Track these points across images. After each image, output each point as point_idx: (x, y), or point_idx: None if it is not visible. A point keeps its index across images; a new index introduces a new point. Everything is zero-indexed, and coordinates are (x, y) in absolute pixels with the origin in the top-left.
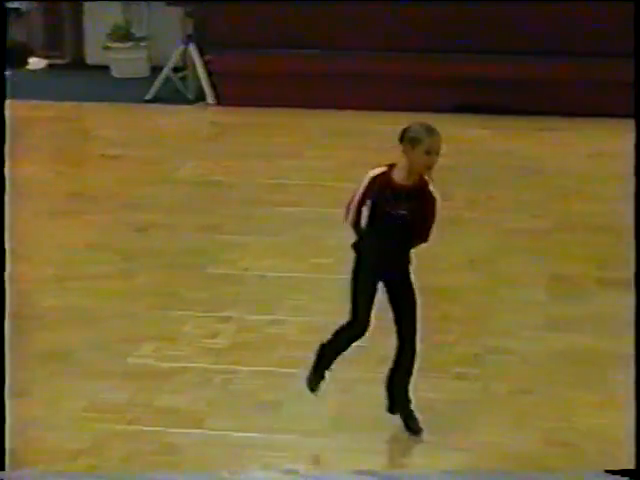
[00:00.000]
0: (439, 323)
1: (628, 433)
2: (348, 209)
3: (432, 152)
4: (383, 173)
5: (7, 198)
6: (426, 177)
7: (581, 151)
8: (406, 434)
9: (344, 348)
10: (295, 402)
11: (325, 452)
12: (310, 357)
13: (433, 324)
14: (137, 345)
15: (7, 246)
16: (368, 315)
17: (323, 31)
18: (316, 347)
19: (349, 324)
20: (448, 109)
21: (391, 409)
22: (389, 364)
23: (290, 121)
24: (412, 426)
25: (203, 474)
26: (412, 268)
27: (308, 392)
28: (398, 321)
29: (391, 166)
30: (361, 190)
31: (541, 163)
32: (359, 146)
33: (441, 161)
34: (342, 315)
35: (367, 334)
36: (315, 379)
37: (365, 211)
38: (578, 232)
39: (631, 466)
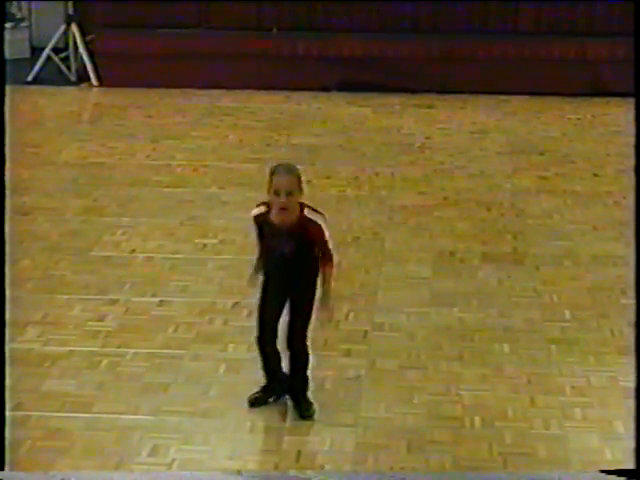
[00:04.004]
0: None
1: (513, 407)
2: None
3: (280, 192)
4: (261, 213)
5: None
6: (306, 211)
7: (463, 128)
8: (293, 411)
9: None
10: (183, 383)
11: (214, 433)
12: (197, 337)
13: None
14: (21, 330)
15: None
16: (273, 333)
17: (205, 10)
18: (203, 327)
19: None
20: (330, 87)
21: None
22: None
23: (174, 101)
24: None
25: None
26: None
27: (195, 373)
28: (289, 331)
29: (268, 205)
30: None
31: (423, 140)
32: (243, 126)
33: (324, 139)
34: (228, 296)
35: (253, 312)
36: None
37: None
38: (462, 208)
39: (509, 438)
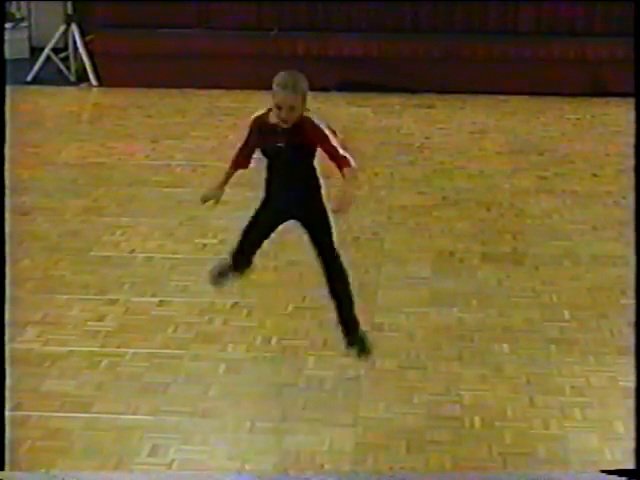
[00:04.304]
0: (326, 301)
1: (513, 407)
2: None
3: (283, 107)
4: (263, 114)
5: None
6: (306, 115)
7: (462, 127)
8: (293, 411)
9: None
10: (183, 384)
11: (213, 433)
12: (196, 337)
13: (320, 302)
14: (21, 330)
15: None
16: (251, 254)
17: (205, 10)
18: (202, 327)
19: (234, 253)
20: (330, 87)
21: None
22: (274, 344)
23: (174, 101)
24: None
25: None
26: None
27: (195, 373)
28: (319, 252)
29: (270, 109)
30: (246, 132)
31: (423, 140)
32: (243, 126)
33: None
34: (228, 296)
35: (253, 312)
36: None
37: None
38: (462, 208)
39: (508, 439)
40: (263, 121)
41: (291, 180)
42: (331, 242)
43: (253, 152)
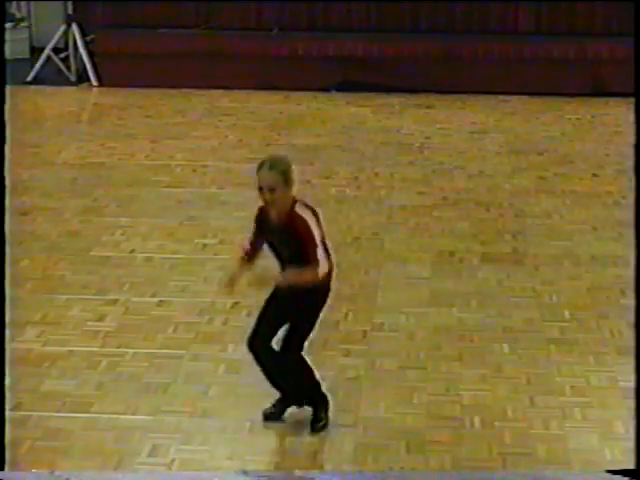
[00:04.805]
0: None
1: (513, 407)
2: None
3: (263, 188)
4: (263, 207)
5: None
6: (297, 209)
7: (462, 128)
8: (293, 413)
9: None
10: (183, 384)
11: (214, 433)
12: (196, 337)
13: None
14: (21, 330)
15: None
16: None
17: (205, 10)
18: (202, 327)
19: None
20: (330, 87)
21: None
22: (274, 344)
23: (174, 101)
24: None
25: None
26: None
27: (195, 373)
28: (285, 339)
29: None
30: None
31: (423, 140)
32: (243, 126)
33: (324, 139)
34: (228, 296)
35: (253, 312)
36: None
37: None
38: (462, 208)
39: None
40: (264, 214)
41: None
42: (303, 337)
43: (262, 242)
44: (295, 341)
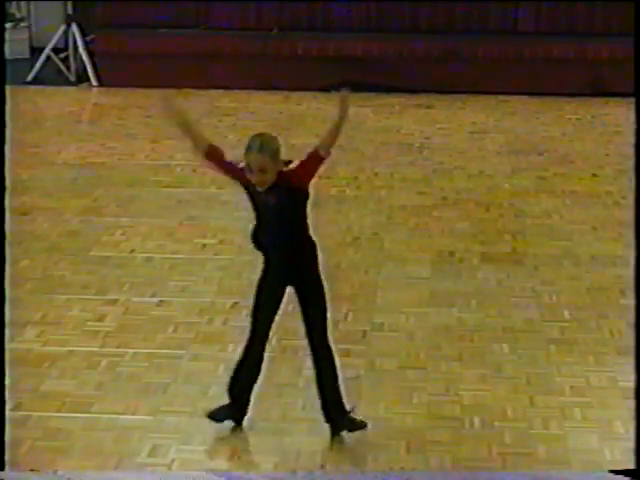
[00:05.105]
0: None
1: (513, 407)
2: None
3: (253, 169)
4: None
5: None
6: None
7: (462, 128)
8: (293, 411)
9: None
10: (182, 384)
11: (214, 433)
12: (196, 337)
13: None
14: (21, 330)
15: None
16: (266, 332)
17: (205, 10)
18: (202, 327)
19: (247, 345)
20: (330, 87)
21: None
22: (274, 344)
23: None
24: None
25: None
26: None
27: (195, 373)
28: (308, 329)
29: None
30: (239, 163)
31: (423, 140)
32: (243, 126)
33: None
34: (228, 296)
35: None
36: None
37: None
38: (461, 208)
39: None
40: (249, 181)
41: (284, 238)
42: (324, 321)
43: (229, 172)
44: (319, 324)
